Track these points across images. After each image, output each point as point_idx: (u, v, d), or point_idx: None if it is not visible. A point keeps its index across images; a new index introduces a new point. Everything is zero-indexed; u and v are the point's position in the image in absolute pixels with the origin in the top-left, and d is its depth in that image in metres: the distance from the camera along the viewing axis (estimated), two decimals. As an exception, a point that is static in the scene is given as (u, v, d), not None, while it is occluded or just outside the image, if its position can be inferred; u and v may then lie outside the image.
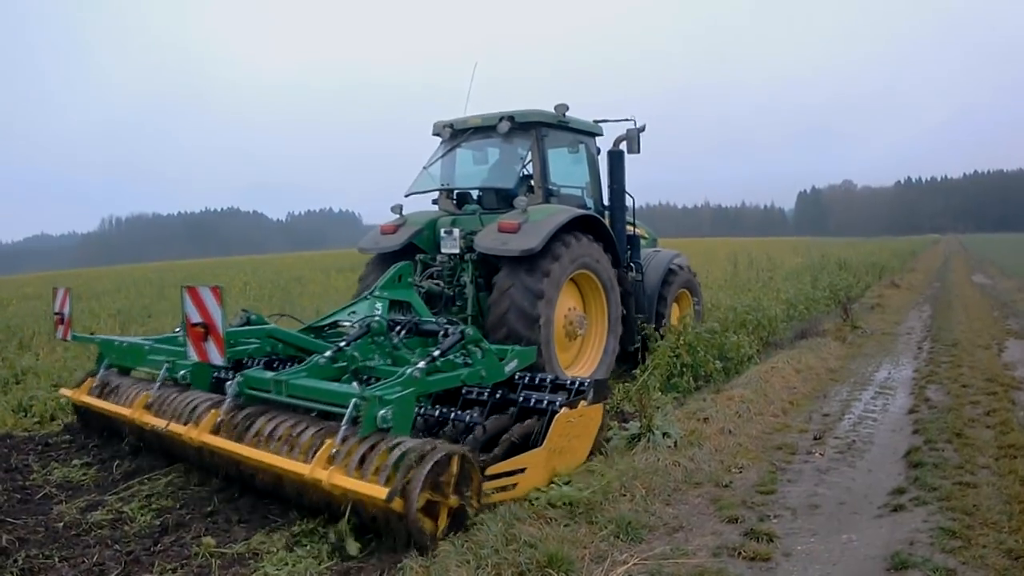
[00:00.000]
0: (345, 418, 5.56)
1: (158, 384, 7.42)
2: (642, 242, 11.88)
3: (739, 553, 5.14)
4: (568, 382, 6.99)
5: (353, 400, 5.62)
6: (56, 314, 8.76)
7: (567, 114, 10.47)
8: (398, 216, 10.64)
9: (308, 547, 5.29)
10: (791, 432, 8.29)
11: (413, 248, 10.25)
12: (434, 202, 11.10)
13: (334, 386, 6.34)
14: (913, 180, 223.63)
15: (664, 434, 7.37)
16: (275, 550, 5.26)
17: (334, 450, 5.41)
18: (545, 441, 6.21)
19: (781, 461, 7.27)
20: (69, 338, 8.72)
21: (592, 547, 5.13)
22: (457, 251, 9.83)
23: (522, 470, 6.03)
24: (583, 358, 10.19)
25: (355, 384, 6.33)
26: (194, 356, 6.42)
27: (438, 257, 10.11)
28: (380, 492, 4.95)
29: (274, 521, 5.85)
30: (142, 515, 6.01)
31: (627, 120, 10.97)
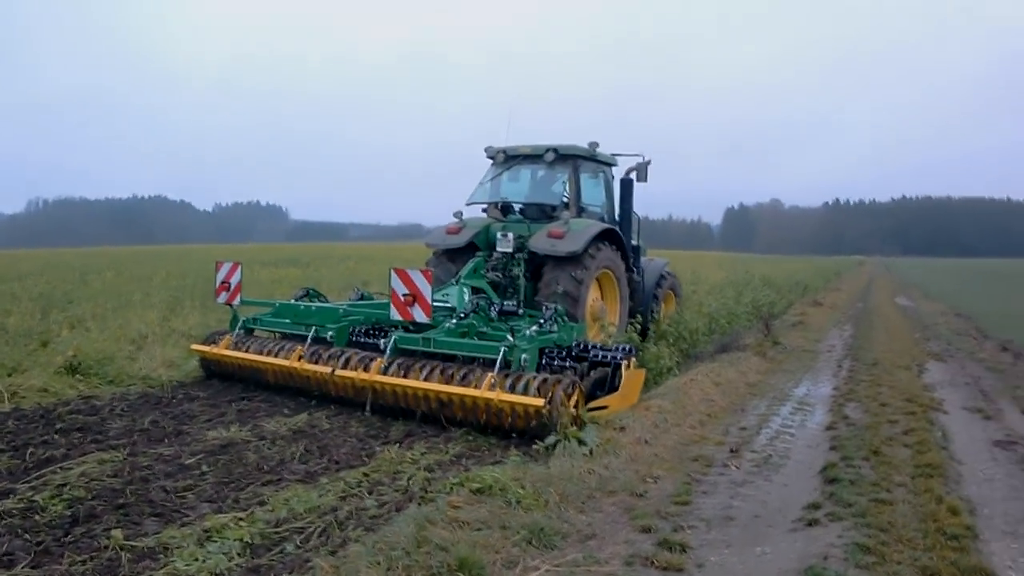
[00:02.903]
0: (498, 361, 8.23)
1: (308, 342, 9.77)
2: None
3: (652, 562, 5.06)
4: (613, 348, 9.52)
5: (503, 349, 8.32)
6: (222, 283, 11.04)
7: (596, 149, 13.20)
8: (458, 220, 13.06)
9: (219, 543, 5.14)
10: (708, 444, 8.27)
11: (472, 246, 12.59)
12: (484, 210, 13.55)
13: (481, 342, 9.03)
14: (841, 202, 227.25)
15: (580, 442, 7.42)
16: (186, 545, 5.12)
17: (493, 381, 8.01)
18: (620, 387, 8.97)
19: (697, 473, 7.23)
20: (235, 303, 11.00)
21: (504, 552, 5.03)
22: (510, 250, 12.23)
23: (605, 407, 8.67)
24: (600, 339, 11.96)
25: (509, 337, 8.77)
26: (398, 317, 9.24)
27: (494, 255, 12.46)
28: (539, 401, 7.67)
29: (185, 515, 5.69)
30: (53, 505, 5.81)
31: (637, 155, 13.78)
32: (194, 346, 11.18)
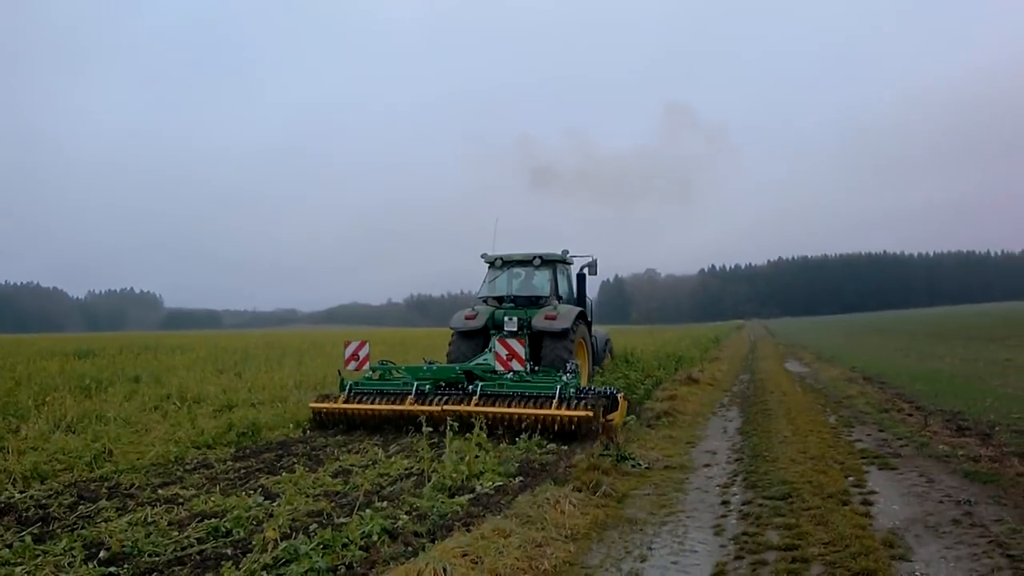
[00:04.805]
0: (557, 393, 12.67)
1: (413, 393, 13.66)
2: None
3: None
4: (603, 388, 13.98)
5: (559, 386, 12.88)
6: (352, 355, 14.97)
7: (567, 255, 19.10)
8: (472, 309, 18.25)
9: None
10: None
11: (485, 328, 17.79)
12: (484, 301, 18.74)
13: (545, 383, 13.51)
14: (717, 268, 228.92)
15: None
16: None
17: (555, 404, 12.52)
18: (619, 408, 13.70)
19: None
20: (364, 368, 15.07)
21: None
22: (515, 329, 17.21)
23: (613, 418, 13.23)
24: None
25: (563, 377, 13.84)
26: (501, 369, 14.05)
27: (502, 333, 17.11)
28: (589, 413, 12.34)
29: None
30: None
31: (588, 256, 19.74)
32: (312, 403, 14.29)
